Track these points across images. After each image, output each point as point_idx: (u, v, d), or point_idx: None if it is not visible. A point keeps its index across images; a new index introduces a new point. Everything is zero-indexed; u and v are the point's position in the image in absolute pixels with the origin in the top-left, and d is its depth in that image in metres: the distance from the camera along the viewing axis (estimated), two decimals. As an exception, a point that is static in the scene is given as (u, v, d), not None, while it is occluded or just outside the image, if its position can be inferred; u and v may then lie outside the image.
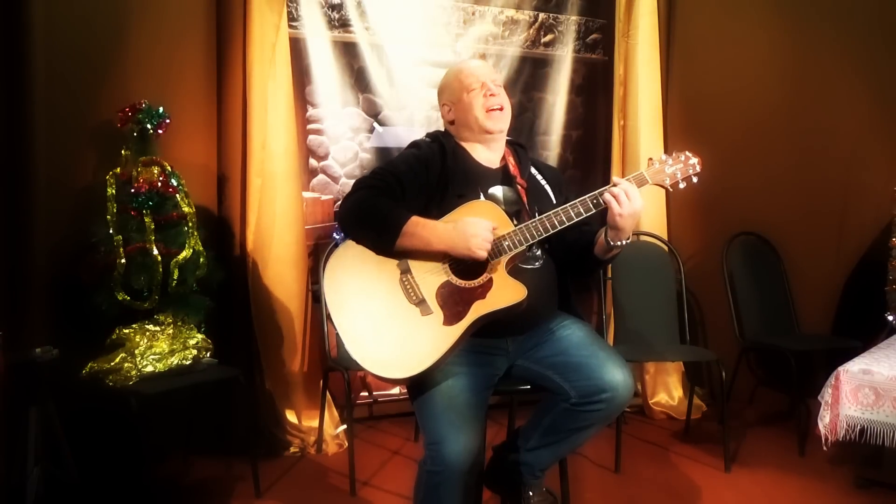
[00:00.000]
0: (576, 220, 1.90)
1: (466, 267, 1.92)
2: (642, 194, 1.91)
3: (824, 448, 2.59)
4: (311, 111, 3.46)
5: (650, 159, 2.00)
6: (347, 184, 3.52)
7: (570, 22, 3.92)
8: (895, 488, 2.72)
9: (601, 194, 1.89)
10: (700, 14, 3.96)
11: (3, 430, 2.22)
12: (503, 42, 3.79)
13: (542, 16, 3.86)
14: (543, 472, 2.09)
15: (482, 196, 2.03)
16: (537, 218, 1.92)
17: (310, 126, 3.46)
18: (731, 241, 3.68)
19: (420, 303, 1.90)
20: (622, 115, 3.86)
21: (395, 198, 1.96)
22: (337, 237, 3.37)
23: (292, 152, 3.25)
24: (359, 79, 3.52)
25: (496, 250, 1.91)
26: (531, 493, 2.07)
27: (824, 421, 2.59)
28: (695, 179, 1.98)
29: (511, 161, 2.14)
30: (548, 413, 1.99)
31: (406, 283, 1.92)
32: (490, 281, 1.91)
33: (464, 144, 2.13)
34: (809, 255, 3.67)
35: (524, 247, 1.92)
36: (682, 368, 3.84)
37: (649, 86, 3.82)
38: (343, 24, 3.47)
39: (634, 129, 3.81)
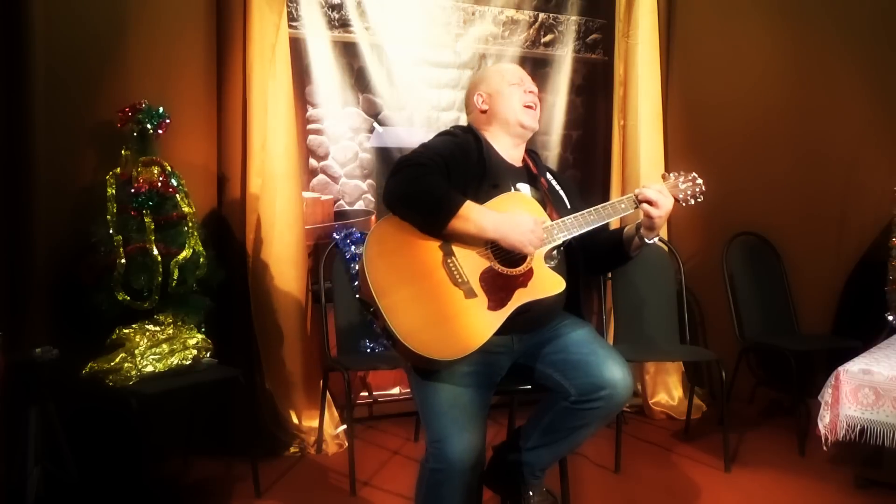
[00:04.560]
0: (614, 216, 2.01)
1: (507, 255, 1.93)
2: None
3: (824, 448, 2.59)
4: (311, 111, 3.46)
5: (664, 175, 2.13)
6: (347, 184, 3.53)
7: (570, 22, 3.92)
8: (895, 488, 2.72)
9: (637, 196, 2.01)
10: (700, 14, 3.96)
11: (3, 430, 2.22)
12: (503, 42, 3.79)
13: (542, 16, 3.86)
14: (543, 471, 2.09)
15: (513, 188, 2.06)
16: (578, 213, 2.00)
17: (310, 126, 3.46)
18: (731, 241, 3.68)
19: (464, 284, 1.89)
20: (622, 115, 3.86)
21: (445, 179, 1.94)
22: (337, 237, 3.37)
23: (292, 152, 3.25)
24: (359, 79, 3.52)
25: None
26: (531, 493, 2.07)
27: (824, 421, 2.59)
28: (700, 199, 2.11)
29: (530, 163, 2.18)
30: (547, 412, 1.99)
31: (450, 265, 1.91)
32: (531, 271, 1.94)
33: (489, 139, 2.14)
34: (809, 255, 3.67)
35: (566, 238, 1.97)
36: (682, 368, 3.84)
37: (649, 86, 3.82)
38: (343, 24, 3.47)
39: (634, 129, 3.81)
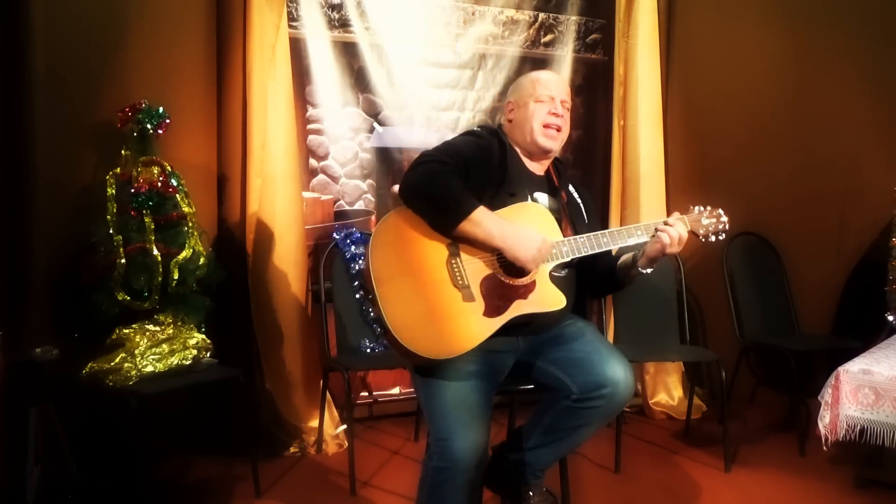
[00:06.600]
0: (628, 242, 2.00)
1: (511, 264, 1.93)
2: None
3: (824, 448, 2.59)
4: (311, 111, 3.46)
5: (690, 207, 2.13)
6: (347, 184, 3.53)
7: (570, 22, 3.92)
8: (895, 488, 2.72)
9: (656, 228, 1.99)
10: (700, 14, 3.96)
11: (3, 430, 2.22)
12: (503, 42, 3.79)
13: (542, 16, 3.86)
14: (544, 471, 2.09)
15: (530, 198, 2.05)
16: (591, 233, 1.98)
17: (310, 126, 3.46)
18: (731, 241, 3.68)
19: (464, 288, 1.89)
20: (622, 115, 3.86)
21: (462, 180, 1.93)
22: (337, 237, 3.37)
23: (292, 152, 3.25)
24: (359, 79, 3.52)
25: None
26: (531, 493, 2.07)
27: (824, 421, 2.59)
28: (722, 237, 2.10)
29: (553, 173, 2.17)
30: (548, 411, 1.99)
31: (453, 265, 1.91)
32: (533, 283, 1.93)
33: (514, 146, 2.13)
34: (809, 255, 3.67)
35: (572, 258, 1.96)
36: (682, 368, 3.84)
37: (649, 86, 3.82)
38: (343, 24, 3.47)
39: (634, 129, 3.81)
